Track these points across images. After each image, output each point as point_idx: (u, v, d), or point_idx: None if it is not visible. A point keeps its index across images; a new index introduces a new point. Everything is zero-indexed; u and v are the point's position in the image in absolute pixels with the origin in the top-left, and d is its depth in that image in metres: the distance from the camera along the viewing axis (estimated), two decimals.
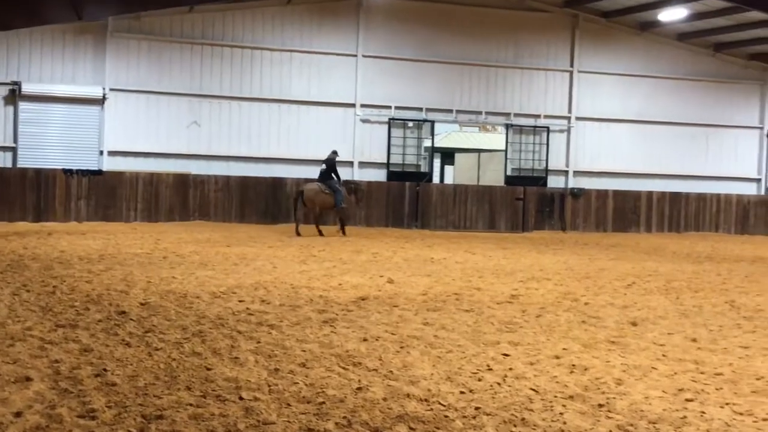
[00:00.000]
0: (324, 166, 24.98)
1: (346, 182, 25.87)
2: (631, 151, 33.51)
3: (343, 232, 24.65)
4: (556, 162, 32.73)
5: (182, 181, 28.32)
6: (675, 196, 32.30)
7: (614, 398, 6.92)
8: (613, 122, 33.35)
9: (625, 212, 31.70)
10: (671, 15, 31.26)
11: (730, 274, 17.10)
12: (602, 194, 31.55)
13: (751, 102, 34.71)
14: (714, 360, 8.54)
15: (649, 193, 32.11)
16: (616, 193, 31.76)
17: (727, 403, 6.88)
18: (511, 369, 7.86)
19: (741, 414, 6.60)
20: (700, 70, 34.13)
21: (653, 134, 33.71)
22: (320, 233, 24.29)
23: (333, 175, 24.74)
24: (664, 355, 8.71)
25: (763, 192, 34.49)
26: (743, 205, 32.82)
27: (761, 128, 34.77)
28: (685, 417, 6.45)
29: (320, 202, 24.69)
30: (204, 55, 29.67)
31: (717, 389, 7.35)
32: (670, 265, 18.66)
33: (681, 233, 31.70)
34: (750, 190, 34.53)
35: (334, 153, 25.35)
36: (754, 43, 33.10)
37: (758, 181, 34.87)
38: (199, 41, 29.50)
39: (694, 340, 9.66)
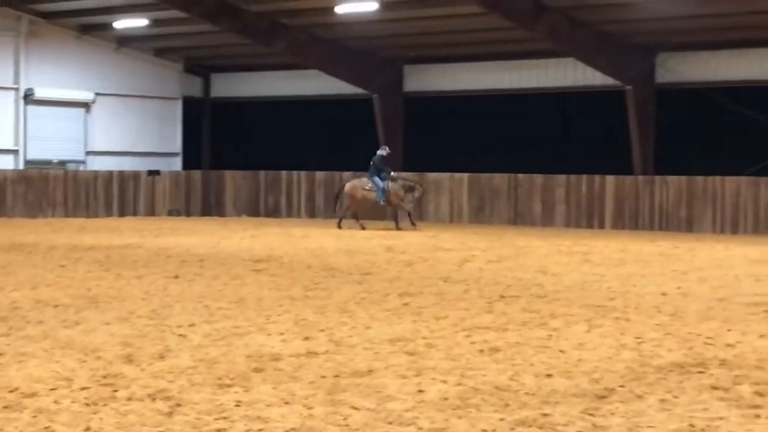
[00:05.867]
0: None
1: (403, 181, 29.82)
2: None
3: (397, 226, 29.16)
4: None
5: None
6: None
7: None
8: None
9: None
10: None
11: None
12: None
13: (4, 57, 35.11)
14: None
15: None
16: None
17: None
18: None
19: None
20: None
21: None
22: (339, 227, 28.98)
23: (379, 172, 29.16)
24: None
25: (22, 166, 35.18)
26: None
27: (17, 89, 35.37)
28: None
29: (360, 198, 29.35)
30: None
31: None
32: None
33: None
34: (6, 163, 34.97)
35: (382, 149, 29.89)
36: None
37: (16, 152, 35.46)
38: None
39: None
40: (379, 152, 29.88)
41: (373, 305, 13.10)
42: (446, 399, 7.85)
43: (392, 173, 29.82)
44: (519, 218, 32.21)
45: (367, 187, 29.56)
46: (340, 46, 35.04)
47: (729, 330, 11.28)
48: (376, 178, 29.46)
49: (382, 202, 29.69)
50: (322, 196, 35.51)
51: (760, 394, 8.13)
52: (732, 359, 9.53)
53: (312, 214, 35.58)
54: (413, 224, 29.12)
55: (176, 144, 39.88)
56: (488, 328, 11.26)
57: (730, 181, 29.28)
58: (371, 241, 24.26)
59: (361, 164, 34.96)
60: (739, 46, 30.69)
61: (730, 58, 31.18)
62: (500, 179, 32.57)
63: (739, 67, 31.09)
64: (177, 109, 39.83)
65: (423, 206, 33.38)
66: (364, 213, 30.20)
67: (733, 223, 28.98)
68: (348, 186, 29.93)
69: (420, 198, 30.58)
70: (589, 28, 30.48)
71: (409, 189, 29.91)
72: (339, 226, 29.19)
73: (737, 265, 18.89)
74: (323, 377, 8.60)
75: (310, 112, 40.06)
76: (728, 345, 10.31)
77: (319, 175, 35.75)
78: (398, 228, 29.11)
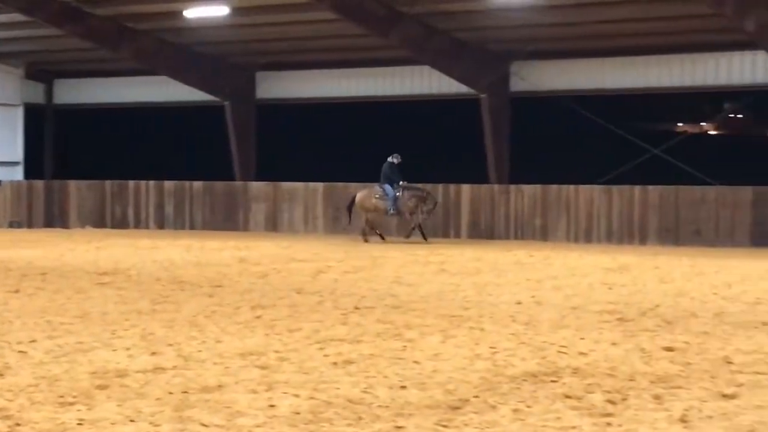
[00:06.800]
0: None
1: (415, 190, 28.90)
2: None
3: (407, 236, 28.98)
4: None
5: None
6: None
7: None
8: None
9: None
10: None
11: None
12: None
13: None
14: None
15: None
16: None
17: None
18: None
19: None
20: None
21: None
22: (365, 239, 28.81)
23: (390, 181, 28.63)
24: None
25: None
26: None
27: None
28: None
29: (371, 207, 29.07)
30: None
31: None
32: None
33: None
34: None
35: (393, 157, 28.76)
36: None
37: None
38: None
39: None
40: (389, 160, 28.96)
41: (224, 318, 13.01)
42: (298, 413, 7.84)
43: (403, 182, 28.89)
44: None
45: (377, 196, 28.99)
46: (190, 52, 34.74)
47: (582, 338, 11.54)
48: (387, 186, 28.79)
49: (392, 212, 28.96)
50: (171, 206, 35.06)
51: (611, 402, 8.33)
52: (584, 367, 9.74)
53: (161, 225, 35.10)
54: (424, 238, 28.51)
55: (17, 153, 38.96)
56: (342, 340, 11.29)
57: (584, 189, 29.94)
58: (223, 253, 24.09)
59: (211, 173, 34.72)
60: (592, 55, 31.49)
61: (584, 67, 31.94)
62: (356, 189, 32.65)
63: (592, 76, 31.88)
64: (18, 116, 38.93)
65: (277, 216, 33.33)
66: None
67: (587, 232, 29.64)
68: (358, 196, 29.41)
69: (433, 209, 29.30)
70: (444, 35, 30.85)
71: (421, 200, 29.06)
72: (365, 240, 28.88)
73: (590, 274, 19.34)
74: (171, 393, 8.50)
75: (160, 119, 39.58)
76: (581, 353, 10.55)
77: (168, 184, 35.27)
78: (407, 237, 29.02)
